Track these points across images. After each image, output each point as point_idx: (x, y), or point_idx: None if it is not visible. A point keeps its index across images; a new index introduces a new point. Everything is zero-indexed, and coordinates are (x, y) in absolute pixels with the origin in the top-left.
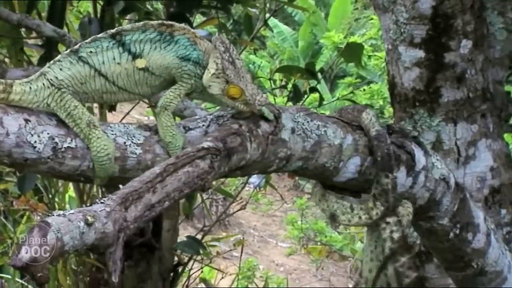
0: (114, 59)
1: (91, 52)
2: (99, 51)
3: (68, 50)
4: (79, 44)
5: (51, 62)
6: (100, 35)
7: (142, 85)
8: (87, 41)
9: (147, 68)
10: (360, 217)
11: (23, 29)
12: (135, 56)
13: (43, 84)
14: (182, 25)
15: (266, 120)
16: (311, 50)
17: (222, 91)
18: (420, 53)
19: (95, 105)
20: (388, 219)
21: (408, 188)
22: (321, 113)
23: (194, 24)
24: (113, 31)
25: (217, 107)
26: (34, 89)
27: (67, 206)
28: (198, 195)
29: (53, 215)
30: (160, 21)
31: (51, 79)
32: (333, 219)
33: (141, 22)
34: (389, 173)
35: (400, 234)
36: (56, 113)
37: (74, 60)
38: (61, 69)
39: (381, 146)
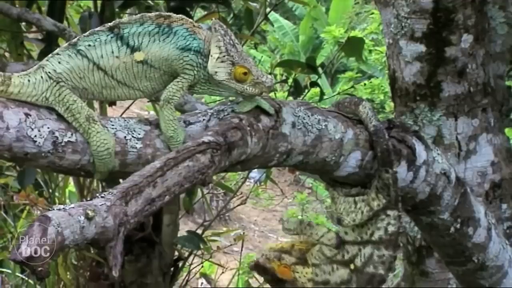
0: (112, 52)
1: (89, 45)
2: (97, 45)
3: (67, 44)
4: (77, 37)
5: (50, 55)
6: (98, 28)
7: (141, 78)
8: (85, 34)
9: (146, 61)
10: (362, 212)
11: (23, 23)
12: (133, 49)
13: (42, 77)
14: (180, 15)
15: (267, 114)
16: (312, 45)
17: (229, 75)
18: (421, 47)
19: None
20: (389, 212)
21: (409, 182)
22: (322, 108)
23: (195, 19)
24: (110, 24)
25: (217, 102)
26: (32, 82)
27: (67, 200)
28: (199, 190)
29: (54, 210)
30: (157, 13)
31: (49, 72)
32: (339, 223)
33: (139, 15)
34: (389, 168)
35: (396, 229)
36: (54, 107)
37: (73, 53)
38: (59, 62)
39: (379, 142)
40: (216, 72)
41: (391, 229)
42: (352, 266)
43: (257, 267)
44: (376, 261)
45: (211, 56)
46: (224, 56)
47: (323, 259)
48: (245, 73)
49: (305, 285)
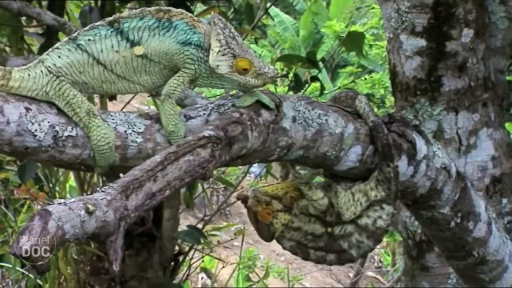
0: (112, 47)
1: (89, 40)
2: (97, 39)
3: (67, 38)
4: (77, 32)
5: (50, 49)
6: (98, 23)
7: (141, 72)
8: (85, 29)
9: (146, 55)
10: (361, 203)
11: (23, 18)
12: (133, 44)
13: (41, 71)
14: (180, 10)
15: (267, 108)
16: (312, 39)
17: (231, 67)
18: (422, 42)
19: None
20: (385, 206)
21: (410, 177)
22: (322, 102)
23: (195, 13)
24: (110, 18)
25: (218, 96)
26: (32, 76)
27: (68, 195)
28: (199, 184)
29: (54, 204)
30: (157, 7)
31: (49, 67)
32: (339, 217)
33: (139, 9)
34: (390, 162)
35: (384, 226)
36: (55, 102)
37: (73, 48)
38: (59, 57)
39: (379, 137)
40: (217, 65)
41: (380, 223)
42: (329, 230)
43: (244, 202)
44: (353, 243)
45: (212, 50)
46: (225, 49)
47: (306, 212)
48: (247, 65)
49: (277, 230)
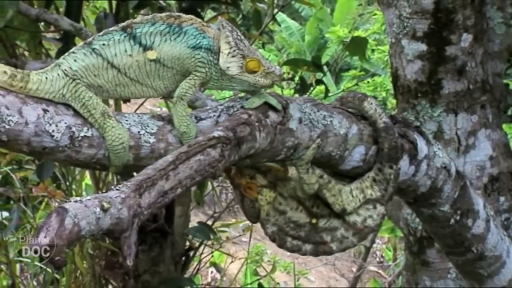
0: (126, 51)
1: (104, 44)
2: (111, 44)
3: (82, 43)
4: (92, 37)
5: (66, 53)
6: (112, 28)
7: (154, 77)
8: (100, 34)
9: (159, 59)
10: (359, 200)
11: (41, 23)
12: (146, 48)
13: (58, 74)
14: (189, 15)
15: (275, 110)
16: (317, 44)
17: (241, 68)
18: (422, 47)
19: None
20: (378, 206)
21: (411, 176)
22: (327, 104)
23: (205, 19)
24: (123, 24)
25: (227, 98)
26: (50, 79)
27: (84, 193)
28: (209, 183)
29: (71, 201)
30: (168, 13)
31: (65, 70)
32: (344, 212)
33: (150, 15)
34: (394, 164)
35: (373, 225)
36: (71, 104)
37: (88, 52)
38: (75, 60)
39: (389, 138)
40: (228, 67)
41: (369, 222)
42: (313, 221)
43: (227, 173)
44: (337, 237)
45: (222, 52)
46: (234, 50)
47: (294, 195)
48: (256, 65)
49: (263, 208)
